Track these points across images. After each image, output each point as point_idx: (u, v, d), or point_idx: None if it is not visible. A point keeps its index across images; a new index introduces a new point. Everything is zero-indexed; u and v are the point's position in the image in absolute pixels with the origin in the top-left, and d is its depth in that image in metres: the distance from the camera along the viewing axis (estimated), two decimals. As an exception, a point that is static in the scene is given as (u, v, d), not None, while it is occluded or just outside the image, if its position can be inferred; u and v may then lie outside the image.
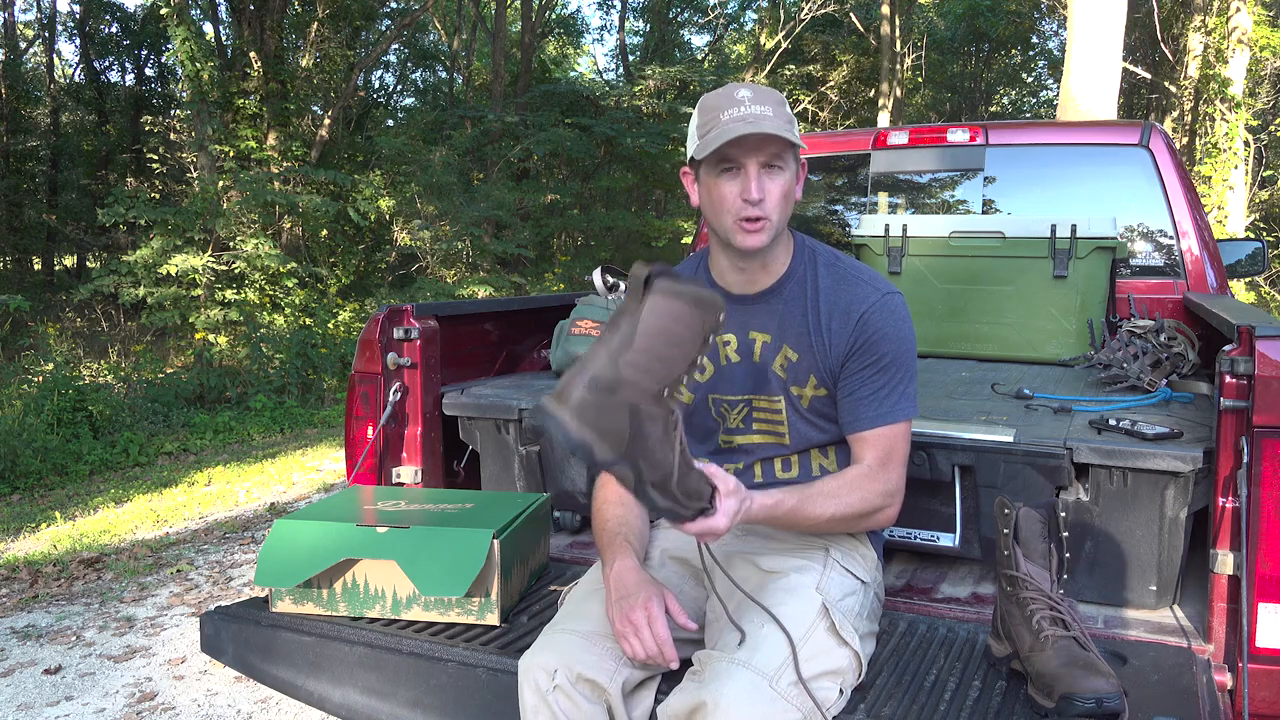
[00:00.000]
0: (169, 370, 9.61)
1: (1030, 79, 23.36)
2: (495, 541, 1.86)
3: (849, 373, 1.69)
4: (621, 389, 1.26)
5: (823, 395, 1.72)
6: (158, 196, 12.92)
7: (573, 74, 23.16)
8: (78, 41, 17.95)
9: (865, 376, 1.68)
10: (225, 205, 10.48)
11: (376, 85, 19.20)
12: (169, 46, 15.35)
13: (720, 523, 1.38)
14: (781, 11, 18.46)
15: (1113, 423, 1.97)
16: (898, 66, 17.83)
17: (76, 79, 19.04)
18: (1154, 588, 1.89)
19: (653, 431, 1.29)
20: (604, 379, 1.26)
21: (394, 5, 16.22)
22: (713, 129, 1.59)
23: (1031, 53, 22.08)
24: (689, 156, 1.67)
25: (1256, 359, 1.61)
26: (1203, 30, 12.12)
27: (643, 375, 1.27)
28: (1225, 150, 11.05)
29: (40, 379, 7.75)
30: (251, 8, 11.72)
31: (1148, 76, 14.80)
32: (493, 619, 1.89)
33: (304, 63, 13.64)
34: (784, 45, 17.96)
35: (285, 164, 11.53)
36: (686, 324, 1.29)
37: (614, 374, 1.26)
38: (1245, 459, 1.62)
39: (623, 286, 3.15)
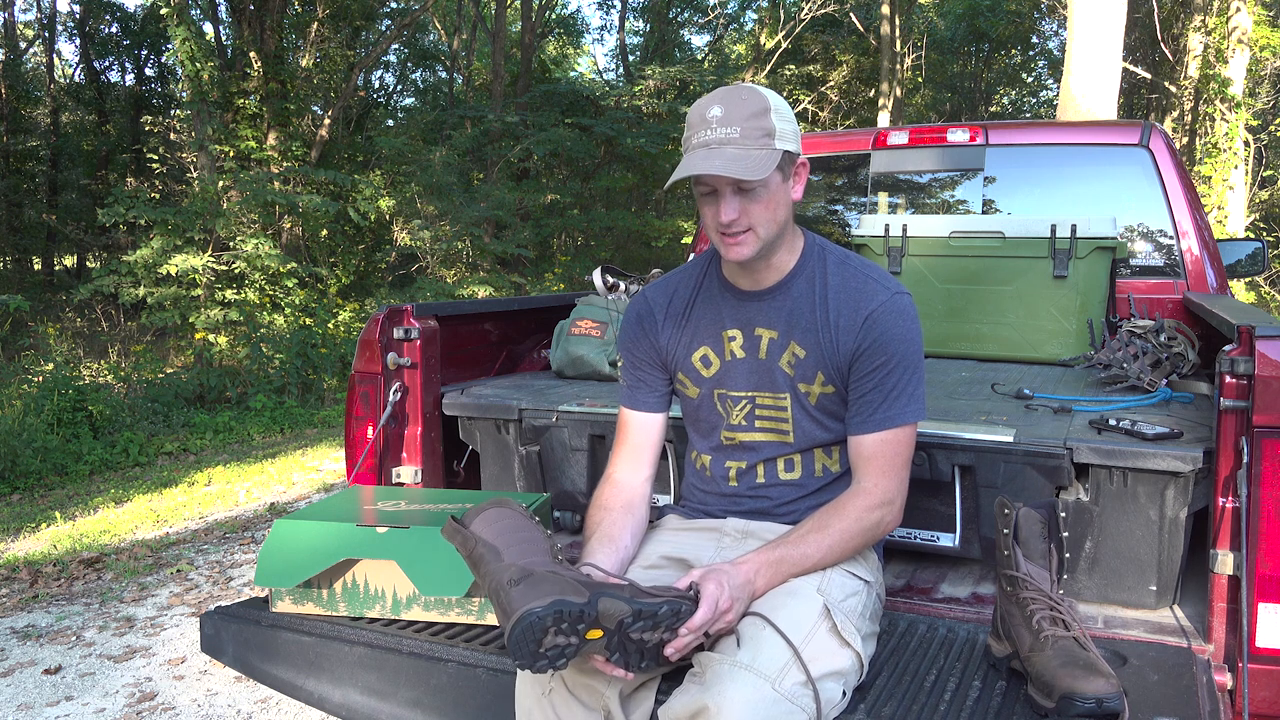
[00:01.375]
0: (169, 370, 9.61)
1: (1030, 79, 23.36)
2: (495, 541, 1.86)
3: (856, 374, 1.68)
4: (531, 571, 1.39)
5: (830, 393, 1.71)
6: (158, 196, 12.90)
7: (573, 74, 23.16)
8: (78, 41, 17.98)
9: (875, 379, 1.67)
10: (225, 205, 10.48)
11: (376, 85, 19.20)
12: (169, 46, 15.36)
13: (704, 611, 1.45)
14: (781, 11, 18.45)
15: (1113, 423, 1.97)
16: (898, 66, 17.83)
17: (76, 79, 19.06)
18: (1154, 588, 1.89)
19: (591, 577, 1.44)
20: (514, 576, 1.38)
21: (394, 5, 16.22)
22: (685, 150, 1.61)
23: (1031, 53, 22.08)
24: None
25: (1256, 359, 1.61)
26: (1203, 30, 12.12)
27: (530, 558, 1.43)
28: (1225, 150, 11.04)
29: (40, 379, 7.75)
30: (251, 8, 11.71)
31: (1148, 76, 14.80)
32: (493, 619, 1.89)
33: (304, 63, 13.64)
34: (784, 45, 17.96)
35: (285, 164, 11.53)
36: (510, 517, 1.51)
37: (515, 571, 1.39)
38: (1245, 459, 1.62)
39: (623, 286, 3.15)
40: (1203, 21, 12.19)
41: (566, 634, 1.33)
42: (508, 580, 1.37)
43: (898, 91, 17.72)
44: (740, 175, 1.54)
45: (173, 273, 9.78)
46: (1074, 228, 3.05)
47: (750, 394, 1.75)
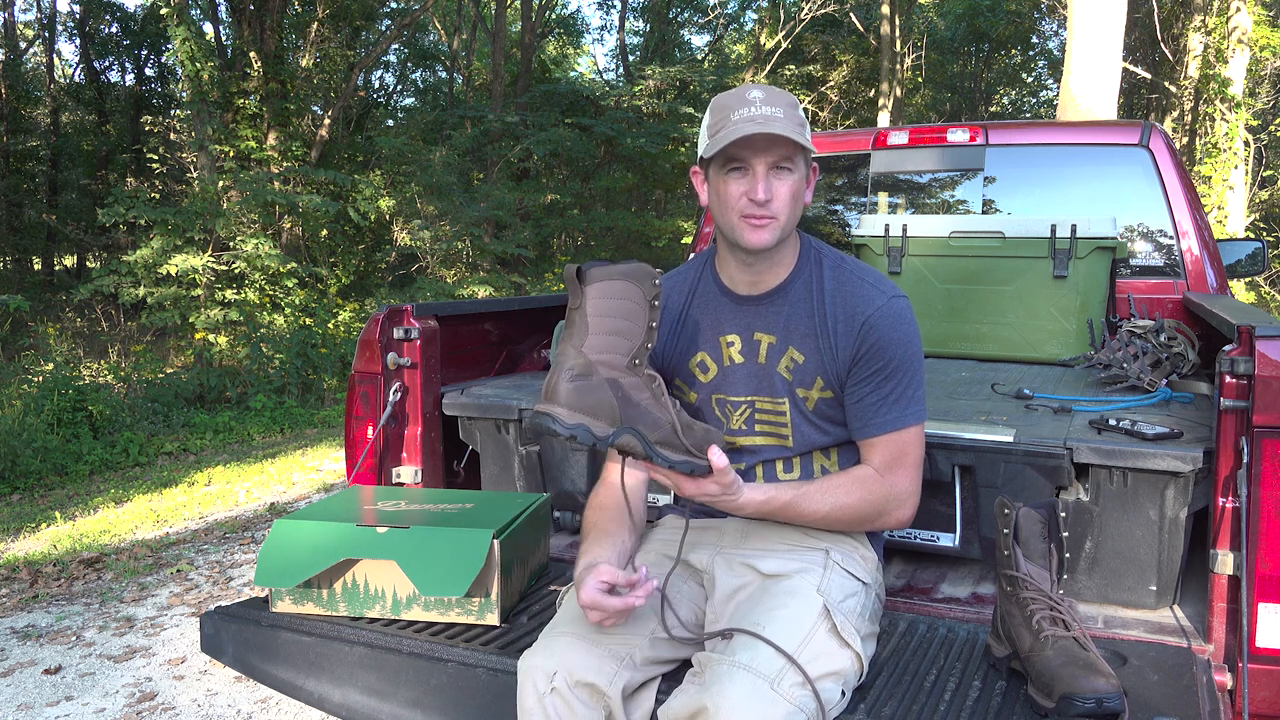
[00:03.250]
0: (169, 370, 9.61)
1: (1030, 79, 23.36)
2: (495, 541, 1.86)
3: (855, 379, 1.68)
4: (596, 370, 1.43)
5: (829, 397, 1.71)
6: (158, 196, 12.90)
7: (573, 74, 23.16)
8: (78, 41, 17.97)
9: (873, 384, 1.67)
10: (225, 205, 10.48)
11: (376, 85, 19.20)
12: (169, 46, 15.36)
13: (711, 488, 1.49)
14: (781, 11, 18.46)
15: (1113, 423, 1.97)
16: (898, 66, 17.83)
17: (76, 79, 19.05)
18: (1154, 588, 1.89)
19: (640, 398, 1.45)
20: (578, 367, 1.42)
21: (394, 5, 16.22)
22: (722, 128, 1.59)
23: (1031, 53, 22.08)
24: (699, 156, 1.67)
25: (1256, 359, 1.61)
26: (1203, 30, 12.12)
27: (608, 353, 1.44)
28: (1225, 150, 11.04)
29: (40, 379, 7.75)
30: (251, 8, 11.71)
31: (1148, 76, 14.80)
32: (493, 619, 1.89)
33: (304, 63, 13.63)
34: (784, 45, 17.96)
35: (285, 164, 11.52)
36: (628, 297, 1.47)
37: (584, 360, 1.43)
38: (1245, 459, 1.62)
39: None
40: (1203, 21, 12.19)
41: (575, 444, 1.47)
42: (567, 369, 1.43)
43: (898, 91, 17.72)
44: (800, 139, 1.58)
45: (173, 273, 9.78)
46: (1074, 228, 3.05)
47: (750, 399, 1.75)
